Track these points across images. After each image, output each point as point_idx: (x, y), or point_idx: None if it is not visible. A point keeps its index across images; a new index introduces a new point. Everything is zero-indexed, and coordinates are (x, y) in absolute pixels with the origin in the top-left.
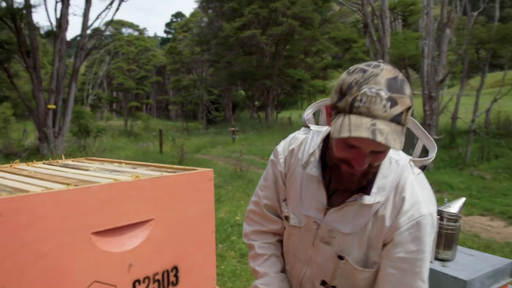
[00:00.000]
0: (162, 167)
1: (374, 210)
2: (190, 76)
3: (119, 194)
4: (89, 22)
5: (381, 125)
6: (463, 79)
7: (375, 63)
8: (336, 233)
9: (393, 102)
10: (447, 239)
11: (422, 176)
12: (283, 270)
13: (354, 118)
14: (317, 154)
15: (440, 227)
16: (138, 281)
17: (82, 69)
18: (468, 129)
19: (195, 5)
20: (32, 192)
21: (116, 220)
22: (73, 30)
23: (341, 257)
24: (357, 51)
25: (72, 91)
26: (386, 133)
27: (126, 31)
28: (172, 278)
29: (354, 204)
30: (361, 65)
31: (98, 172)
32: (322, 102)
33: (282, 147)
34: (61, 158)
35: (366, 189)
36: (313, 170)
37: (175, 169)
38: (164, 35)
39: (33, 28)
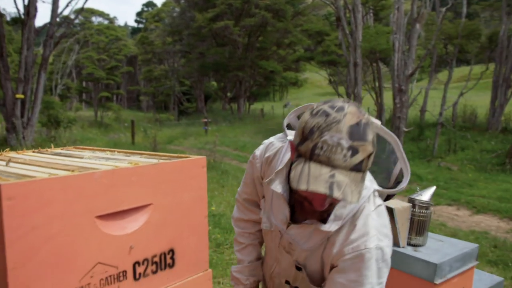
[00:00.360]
0: (156, 155)
1: (328, 235)
2: (162, 67)
3: (120, 180)
4: (59, 10)
5: (340, 176)
6: (432, 73)
7: (339, 104)
8: (295, 246)
9: (354, 151)
10: (418, 225)
11: (381, 208)
12: (259, 257)
13: (313, 167)
14: (284, 172)
15: (412, 214)
16: (138, 262)
17: (50, 58)
18: (436, 122)
19: None
20: (39, 177)
21: (118, 204)
22: (42, 18)
23: (298, 268)
24: (329, 44)
25: (41, 80)
26: (344, 185)
27: (96, 19)
28: (168, 260)
29: (312, 226)
30: (325, 107)
31: (94, 160)
32: (304, 107)
33: (260, 151)
34: (30, 149)
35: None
36: (278, 187)
37: (169, 157)
38: (135, 24)
39: (0, 14)
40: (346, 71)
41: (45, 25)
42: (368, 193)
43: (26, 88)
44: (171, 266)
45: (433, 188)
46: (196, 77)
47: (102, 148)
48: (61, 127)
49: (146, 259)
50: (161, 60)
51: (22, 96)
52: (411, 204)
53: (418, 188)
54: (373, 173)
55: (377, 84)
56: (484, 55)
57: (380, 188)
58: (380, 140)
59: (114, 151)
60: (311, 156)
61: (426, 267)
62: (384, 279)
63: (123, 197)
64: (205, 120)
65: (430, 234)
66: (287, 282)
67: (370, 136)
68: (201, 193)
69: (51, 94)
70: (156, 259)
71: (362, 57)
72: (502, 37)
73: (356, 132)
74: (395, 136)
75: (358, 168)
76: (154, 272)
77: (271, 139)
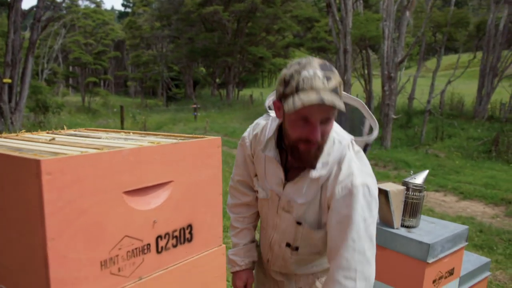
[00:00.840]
0: (171, 135)
1: (321, 183)
2: (150, 52)
3: (145, 158)
4: None
5: (325, 94)
6: (420, 61)
7: (306, 58)
8: (293, 203)
9: (329, 78)
10: (412, 207)
11: (361, 154)
12: (254, 240)
13: (302, 94)
14: (273, 139)
15: (406, 197)
16: (160, 236)
17: (36, 43)
18: (424, 110)
19: None
20: (73, 154)
21: (143, 181)
22: (27, 1)
23: (299, 223)
24: (319, 30)
25: (29, 65)
26: (331, 99)
27: (82, 3)
28: (187, 235)
29: (305, 179)
30: (295, 61)
31: (113, 140)
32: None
33: (248, 133)
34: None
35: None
36: (271, 152)
37: (184, 137)
38: (122, 8)
39: None
40: (335, 57)
41: (32, 8)
42: (347, 142)
43: (14, 72)
44: (190, 240)
45: (426, 172)
46: (184, 63)
47: (116, 130)
48: (49, 112)
49: (167, 233)
50: (149, 45)
51: (10, 81)
52: (405, 187)
53: (411, 171)
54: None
55: (366, 71)
56: (472, 43)
57: (354, 137)
58: (348, 107)
59: (129, 132)
60: (297, 90)
61: (419, 247)
62: (375, 213)
63: (147, 174)
64: (195, 106)
65: (422, 216)
66: (287, 245)
67: (336, 71)
68: (216, 172)
69: (37, 79)
70: (176, 233)
71: (352, 44)
72: (490, 25)
73: (325, 66)
74: (359, 100)
75: (336, 91)
76: (175, 246)
77: (256, 120)
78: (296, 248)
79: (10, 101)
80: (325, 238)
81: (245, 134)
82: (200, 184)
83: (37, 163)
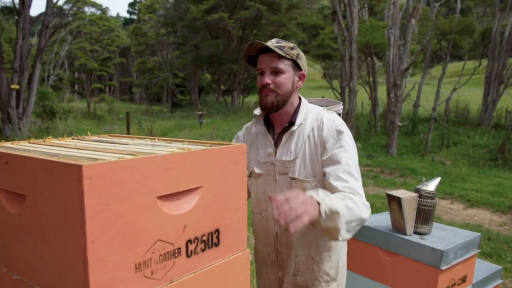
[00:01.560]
0: (197, 142)
1: (307, 135)
2: (155, 59)
3: (177, 163)
4: (54, 0)
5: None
6: (425, 69)
7: None
8: (287, 163)
9: (278, 42)
10: (424, 214)
11: (334, 113)
12: None
13: (258, 52)
14: (261, 116)
15: (419, 204)
16: (190, 241)
17: None
18: (429, 117)
19: None
20: (111, 160)
21: (175, 186)
22: (34, 8)
23: (293, 178)
24: (324, 37)
25: (36, 71)
26: (272, 48)
27: (88, 10)
28: (214, 240)
29: (292, 136)
30: None
31: (141, 146)
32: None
33: (240, 132)
34: (26, 140)
35: (292, 123)
36: (260, 127)
37: (211, 144)
38: (127, 15)
39: None
40: (340, 65)
41: (40, 15)
42: (320, 108)
43: (21, 78)
44: (217, 245)
45: (438, 179)
46: (190, 69)
47: (140, 136)
48: (56, 118)
49: (196, 238)
50: (155, 52)
51: (17, 87)
52: (417, 194)
53: (424, 178)
54: None
55: (371, 78)
56: (477, 51)
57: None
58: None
59: (154, 138)
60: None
61: (432, 253)
62: (355, 149)
63: (178, 179)
64: (200, 112)
65: (434, 223)
66: None
67: (293, 44)
68: (242, 177)
69: (44, 85)
70: (205, 238)
71: (357, 51)
72: (495, 33)
73: (282, 40)
74: (323, 98)
75: (280, 48)
76: (203, 250)
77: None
78: None
79: (17, 107)
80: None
81: (238, 132)
82: (227, 189)
83: (78, 168)
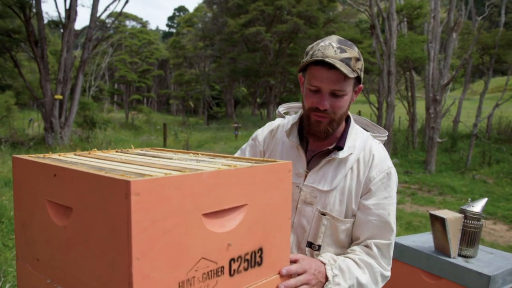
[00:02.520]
0: (241, 158)
1: (350, 166)
2: (193, 71)
3: (223, 180)
4: (97, 14)
5: (331, 60)
6: (466, 83)
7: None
8: (317, 192)
9: (342, 50)
10: (470, 236)
11: (382, 145)
12: None
13: (314, 62)
14: (296, 126)
15: (464, 226)
16: (233, 259)
17: None
18: (470, 133)
19: (199, 0)
20: (158, 176)
21: (220, 203)
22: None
23: (323, 214)
24: (362, 51)
25: (79, 82)
26: (339, 65)
27: (129, 23)
28: (257, 259)
29: (332, 162)
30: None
31: (185, 161)
32: (292, 104)
33: (260, 131)
34: (67, 149)
35: (339, 148)
36: (294, 138)
37: (256, 160)
38: (166, 28)
39: (42, 18)
40: (378, 79)
41: (84, 29)
42: (367, 134)
43: (64, 89)
44: (260, 264)
45: (485, 200)
46: (226, 82)
47: (183, 150)
48: (96, 128)
49: (240, 256)
50: (192, 64)
51: (61, 97)
52: (462, 215)
53: (469, 199)
54: None
55: (409, 93)
56: None
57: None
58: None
59: (198, 153)
60: (311, 57)
61: (479, 278)
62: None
63: (224, 196)
64: (236, 125)
65: (480, 246)
66: (308, 244)
67: (356, 48)
68: (286, 195)
69: (85, 95)
70: (248, 256)
71: (396, 65)
72: None
73: (343, 41)
74: (365, 119)
75: (347, 62)
76: (246, 269)
77: (268, 123)
78: (319, 248)
79: (60, 116)
80: (349, 233)
81: (257, 133)
82: (271, 207)
83: (127, 183)
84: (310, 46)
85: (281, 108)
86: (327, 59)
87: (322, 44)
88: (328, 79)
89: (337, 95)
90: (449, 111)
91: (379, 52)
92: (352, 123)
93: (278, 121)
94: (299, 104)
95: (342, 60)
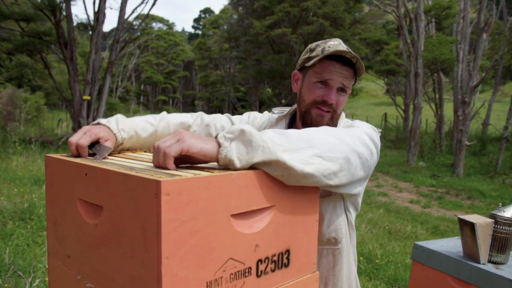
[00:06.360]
0: None
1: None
2: (218, 72)
3: (251, 182)
4: (125, 16)
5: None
6: (496, 85)
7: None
8: None
9: (349, 50)
10: (501, 242)
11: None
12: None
13: (327, 56)
14: (285, 119)
15: (495, 231)
16: (260, 260)
17: None
18: (500, 136)
19: (224, 1)
20: (188, 176)
21: (249, 204)
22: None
23: None
24: (388, 53)
25: (106, 83)
26: (355, 60)
27: (156, 25)
28: (284, 260)
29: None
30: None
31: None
32: (286, 108)
33: (258, 114)
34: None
35: None
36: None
37: None
38: (192, 30)
39: (71, 20)
40: (404, 81)
41: (112, 31)
42: (350, 119)
43: (92, 90)
44: (286, 265)
45: None
46: (251, 83)
47: None
48: None
49: (267, 258)
50: (217, 66)
51: (89, 98)
52: (493, 220)
53: (500, 204)
54: None
55: (437, 95)
56: None
57: None
58: None
59: None
60: (322, 52)
61: (510, 286)
62: (369, 151)
63: (252, 198)
64: None
65: (511, 252)
66: None
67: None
68: (313, 197)
69: (113, 96)
70: (275, 258)
71: (423, 66)
72: None
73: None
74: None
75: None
76: (273, 271)
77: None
78: None
79: (88, 116)
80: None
81: (255, 114)
82: (298, 209)
83: (157, 183)
84: (314, 44)
85: (276, 111)
86: (348, 52)
87: (331, 42)
88: (340, 74)
89: (344, 90)
90: (478, 113)
91: (406, 54)
92: (343, 115)
93: (263, 113)
94: (293, 108)
95: (354, 57)
